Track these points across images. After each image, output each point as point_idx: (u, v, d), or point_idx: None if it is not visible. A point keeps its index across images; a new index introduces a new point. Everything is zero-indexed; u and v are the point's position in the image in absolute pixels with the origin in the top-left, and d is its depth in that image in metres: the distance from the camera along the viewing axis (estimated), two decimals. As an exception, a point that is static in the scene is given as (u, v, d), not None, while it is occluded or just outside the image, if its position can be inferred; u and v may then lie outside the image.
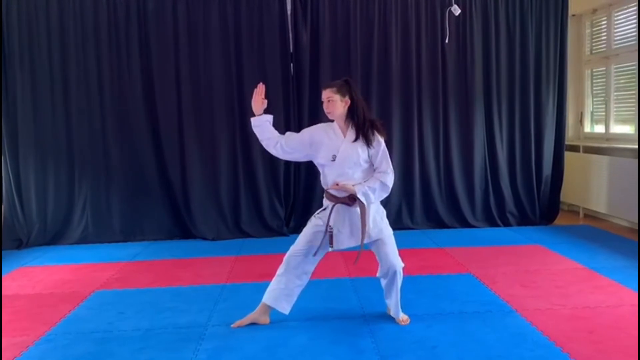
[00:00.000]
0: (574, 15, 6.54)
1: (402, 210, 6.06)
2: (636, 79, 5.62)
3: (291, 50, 5.87)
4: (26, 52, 5.56)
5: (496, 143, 6.10)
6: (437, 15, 5.96)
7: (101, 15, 5.61)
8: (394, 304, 3.35)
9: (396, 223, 5.97)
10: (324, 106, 3.20)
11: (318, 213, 3.32)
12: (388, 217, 6.06)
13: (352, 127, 3.20)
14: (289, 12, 5.82)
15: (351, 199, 3.17)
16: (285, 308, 3.30)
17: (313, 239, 3.26)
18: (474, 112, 6.03)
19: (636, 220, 5.46)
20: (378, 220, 3.27)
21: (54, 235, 5.69)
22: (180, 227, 5.83)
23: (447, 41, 5.94)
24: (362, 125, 3.17)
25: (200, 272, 4.54)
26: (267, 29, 5.79)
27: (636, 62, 5.60)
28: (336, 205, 3.20)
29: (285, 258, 3.31)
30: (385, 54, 5.94)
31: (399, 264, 3.29)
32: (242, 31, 5.77)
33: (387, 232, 3.30)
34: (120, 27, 5.65)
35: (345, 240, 3.24)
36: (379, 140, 3.21)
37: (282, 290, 3.28)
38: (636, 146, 5.49)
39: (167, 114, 5.75)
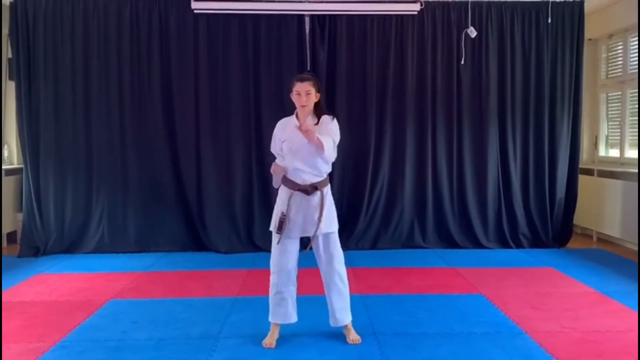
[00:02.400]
0: (590, 39, 6.57)
1: (414, 229, 6.08)
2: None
3: (308, 68, 5.95)
4: (50, 66, 5.73)
5: (510, 165, 6.12)
6: (453, 37, 6.03)
7: (124, 31, 5.77)
8: (337, 310, 3.36)
9: (408, 241, 6.03)
10: (301, 99, 3.24)
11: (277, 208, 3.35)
12: (400, 235, 6.17)
13: (313, 117, 3.30)
14: (307, 30, 5.94)
15: (312, 187, 3.23)
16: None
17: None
18: (488, 133, 6.06)
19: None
20: (332, 215, 3.32)
21: (70, 244, 5.80)
22: (194, 239, 5.91)
23: (462, 62, 6.00)
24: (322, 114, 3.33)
25: (213, 284, 4.60)
26: (285, 47, 5.90)
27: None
28: (294, 194, 3.25)
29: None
30: (401, 73, 6.01)
31: (342, 267, 3.35)
32: (260, 48, 5.89)
33: (334, 229, 3.33)
34: (142, 43, 5.80)
35: (295, 231, 3.28)
36: (333, 123, 3.30)
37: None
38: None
39: (184, 128, 5.87)
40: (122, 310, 3.93)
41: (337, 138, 3.29)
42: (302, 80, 3.28)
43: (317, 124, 3.28)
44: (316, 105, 3.32)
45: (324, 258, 3.35)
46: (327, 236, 3.32)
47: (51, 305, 4.04)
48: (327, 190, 3.34)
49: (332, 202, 3.39)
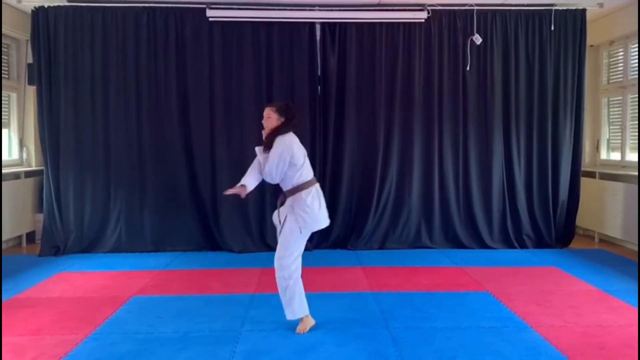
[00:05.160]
0: (592, 45, 6.75)
1: (421, 230, 6.28)
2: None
3: (319, 74, 6.17)
4: (70, 71, 5.94)
5: (514, 167, 6.30)
6: (459, 44, 6.22)
7: (141, 38, 5.98)
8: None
9: (415, 242, 6.23)
10: (264, 121, 3.67)
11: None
12: (407, 235, 6.33)
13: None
14: (318, 37, 6.14)
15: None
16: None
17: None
18: (493, 137, 6.25)
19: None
20: (288, 213, 3.61)
21: (89, 244, 6.00)
22: (209, 239, 6.11)
23: (468, 68, 6.19)
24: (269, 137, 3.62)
25: (230, 282, 4.79)
26: (297, 53, 6.11)
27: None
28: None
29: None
30: (408, 78, 6.20)
31: (278, 262, 3.59)
32: (273, 54, 6.10)
33: (286, 228, 3.60)
34: (159, 49, 6.01)
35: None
36: (276, 144, 3.57)
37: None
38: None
39: (199, 132, 6.07)
40: (146, 305, 4.12)
41: (274, 157, 3.55)
42: (267, 105, 3.74)
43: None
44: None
45: None
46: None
47: (78, 301, 4.24)
48: (293, 198, 3.62)
49: (296, 202, 3.62)
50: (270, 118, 3.63)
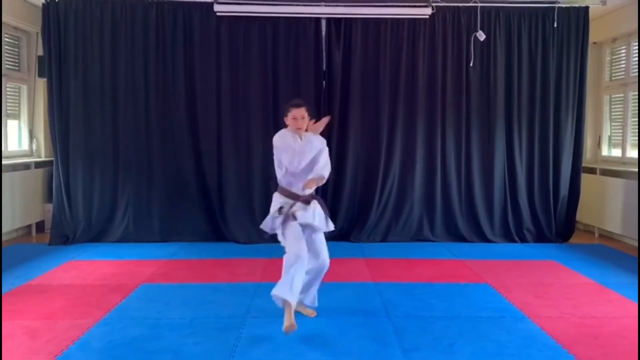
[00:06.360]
0: (594, 43, 6.82)
1: (423, 223, 6.38)
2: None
3: (324, 68, 6.26)
4: (80, 63, 6.05)
5: (516, 163, 6.39)
6: (462, 40, 6.30)
7: (150, 32, 6.08)
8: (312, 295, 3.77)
9: (417, 235, 6.33)
10: (297, 122, 3.62)
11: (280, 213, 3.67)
12: (409, 229, 6.47)
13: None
14: (323, 33, 6.23)
15: (310, 198, 3.65)
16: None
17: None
18: (495, 132, 6.34)
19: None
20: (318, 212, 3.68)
21: (97, 234, 6.12)
22: (214, 230, 6.23)
23: (471, 64, 6.27)
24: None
25: (235, 271, 4.91)
26: (302, 48, 6.20)
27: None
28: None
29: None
30: (412, 74, 6.29)
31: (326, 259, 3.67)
32: (279, 49, 6.19)
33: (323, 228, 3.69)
34: (167, 43, 6.11)
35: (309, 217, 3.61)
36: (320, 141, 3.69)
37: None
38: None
39: (206, 124, 6.18)
40: (154, 293, 4.24)
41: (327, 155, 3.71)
42: (298, 106, 3.66)
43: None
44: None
45: (315, 251, 3.70)
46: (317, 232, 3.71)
47: (88, 287, 4.36)
48: (317, 198, 3.76)
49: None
50: (305, 118, 3.67)
